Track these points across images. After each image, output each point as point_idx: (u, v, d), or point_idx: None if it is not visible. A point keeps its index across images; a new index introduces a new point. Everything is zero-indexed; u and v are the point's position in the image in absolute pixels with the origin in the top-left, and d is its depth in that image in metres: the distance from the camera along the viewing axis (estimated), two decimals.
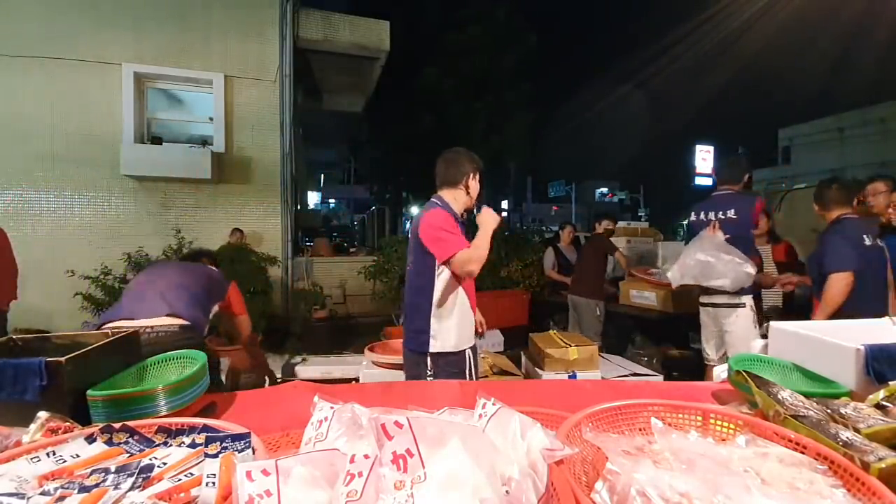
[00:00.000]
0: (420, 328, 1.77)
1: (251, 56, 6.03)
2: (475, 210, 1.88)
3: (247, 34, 6.02)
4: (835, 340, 1.08)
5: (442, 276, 1.74)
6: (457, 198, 1.86)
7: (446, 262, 1.68)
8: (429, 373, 1.77)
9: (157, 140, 5.82)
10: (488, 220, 1.75)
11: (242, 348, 2.53)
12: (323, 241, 7.84)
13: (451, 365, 1.77)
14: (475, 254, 1.65)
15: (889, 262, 2.31)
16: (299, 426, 0.75)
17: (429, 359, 1.77)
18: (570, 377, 2.73)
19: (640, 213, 29.69)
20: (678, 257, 2.64)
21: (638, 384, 1.38)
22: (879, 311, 1.79)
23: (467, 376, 1.79)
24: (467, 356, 1.81)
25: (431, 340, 1.76)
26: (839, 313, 2.10)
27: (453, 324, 1.76)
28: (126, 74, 5.57)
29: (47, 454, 0.64)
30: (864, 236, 2.22)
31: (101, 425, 0.73)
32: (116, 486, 0.56)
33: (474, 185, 1.87)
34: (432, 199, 1.87)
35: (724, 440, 0.75)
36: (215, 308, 2.05)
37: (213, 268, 2.29)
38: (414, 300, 1.79)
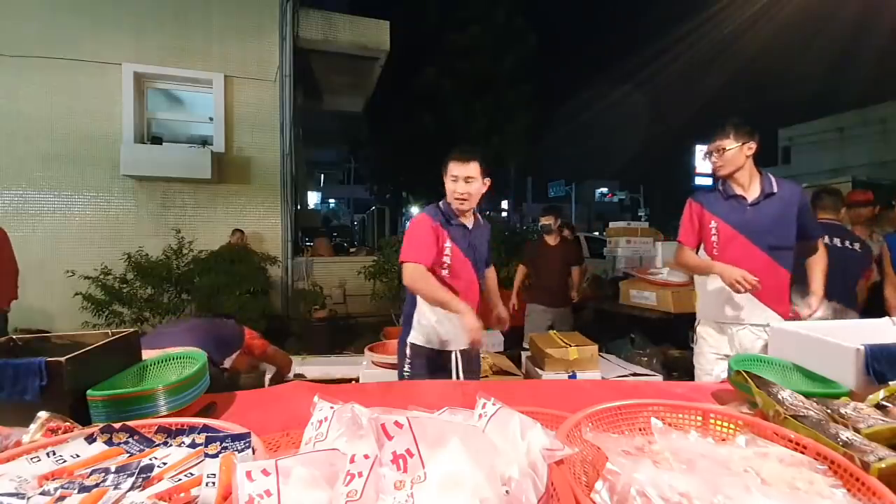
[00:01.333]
0: (407, 315, 1.85)
1: (251, 56, 6.03)
2: (465, 210, 1.81)
3: (247, 34, 6.01)
4: (835, 340, 1.09)
5: None
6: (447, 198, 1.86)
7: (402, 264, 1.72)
8: (406, 365, 1.81)
9: (157, 140, 5.82)
10: (467, 323, 1.58)
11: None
12: (323, 241, 7.81)
13: (431, 362, 1.78)
14: (423, 283, 1.65)
15: (888, 259, 2.56)
16: (299, 426, 0.75)
17: (408, 349, 1.82)
18: (570, 377, 2.73)
19: (640, 213, 29.68)
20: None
21: (638, 384, 1.39)
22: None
23: (453, 376, 1.80)
24: (453, 357, 1.81)
25: (413, 331, 1.82)
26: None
27: (434, 321, 1.78)
28: (126, 74, 5.57)
29: (47, 454, 0.64)
30: (827, 237, 2.44)
31: (101, 425, 0.73)
32: (116, 486, 0.56)
33: (447, 181, 1.78)
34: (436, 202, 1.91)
35: (724, 440, 0.75)
36: (233, 357, 2.05)
37: (228, 320, 2.35)
38: (408, 292, 1.85)
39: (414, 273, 1.66)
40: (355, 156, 18.52)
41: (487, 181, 1.79)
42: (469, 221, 1.85)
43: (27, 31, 5.26)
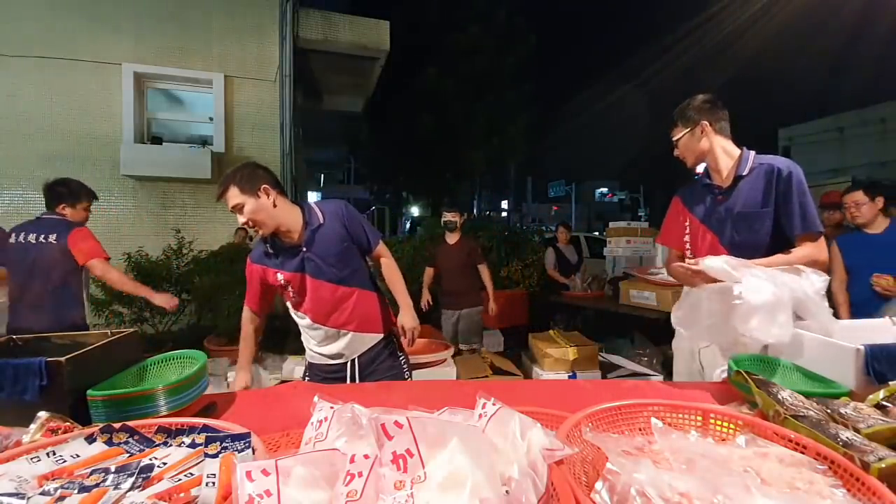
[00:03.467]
0: None
1: (251, 56, 6.04)
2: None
3: (247, 34, 6.02)
4: (835, 340, 1.09)
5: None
6: None
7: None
8: (305, 377, 1.83)
9: (157, 140, 5.82)
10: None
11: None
12: None
13: (325, 376, 1.76)
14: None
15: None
16: (299, 426, 0.75)
17: (305, 362, 1.86)
18: (570, 377, 2.73)
19: (640, 213, 29.68)
20: None
21: (638, 384, 1.38)
22: None
23: (348, 381, 1.78)
24: (348, 367, 1.75)
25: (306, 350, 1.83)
26: None
27: (314, 345, 1.76)
28: (126, 74, 5.57)
29: (47, 454, 0.64)
30: None
31: (101, 425, 0.73)
32: (116, 486, 0.56)
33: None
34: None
35: (724, 440, 0.75)
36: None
37: (66, 233, 2.39)
38: None
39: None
40: (355, 156, 18.53)
41: (268, 191, 1.54)
42: (294, 236, 1.62)
43: (27, 31, 5.26)
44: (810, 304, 1.19)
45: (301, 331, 1.79)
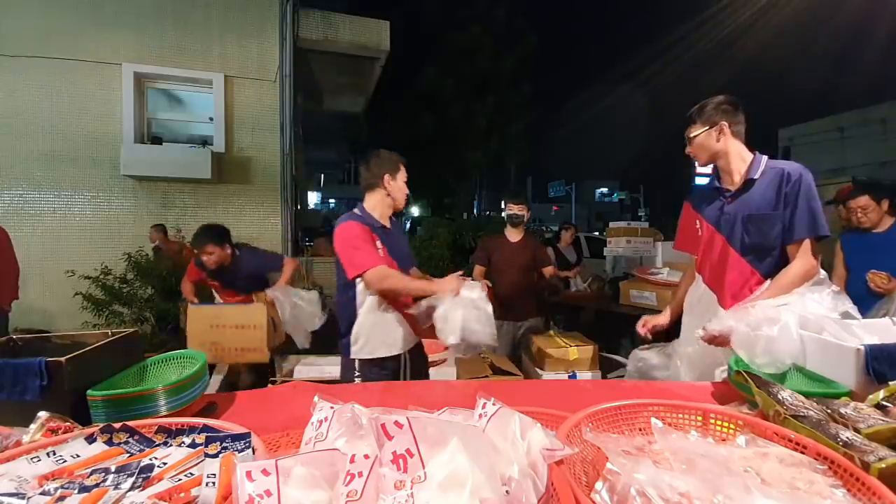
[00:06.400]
0: (344, 334, 1.84)
1: (251, 56, 6.04)
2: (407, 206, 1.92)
3: (247, 34, 6.02)
4: (835, 340, 1.09)
5: (360, 288, 1.78)
6: (377, 203, 1.88)
7: (359, 278, 1.73)
8: (356, 375, 1.81)
9: (157, 140, 5.83)
10: (443, 286, 1.71)
11: None
12: (323, 241, 7.80)
13: (379, 368, 1.78)
14: (393, 279, 1.71)
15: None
16: (299, 426, 0.75)
17: (356, 364, 1.82)
18: (570, 377, 2.73)
19: (640, 213, 29.67)
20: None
21: (638, 384, 1.38)
22: None
23: (402, 377, 1.82)
24: (402, 360, 1.82)
25: (353, 346, 1.81)
26: None
27: (377, 331, 1.77)
28: (126, 74, 5.57)
29: (47, 454, 0.64)
30: None
31: (101, 425, 0.73)
32: (116, 486, 0.56)
33: (395, 185, 1.88)
34: (352, 210, 1.90)
35: (724, 440, 0.75)
36: None
37: None
38: (339, 310, 1.87)
39: (380, 274, 1.69)
40: (355, 156, 18.51)
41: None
42: (387, 223, 1.91)
43: (27, 31, 5.26)
44: (826, 322, 1.19)
45: (374, 325, 1.78)
